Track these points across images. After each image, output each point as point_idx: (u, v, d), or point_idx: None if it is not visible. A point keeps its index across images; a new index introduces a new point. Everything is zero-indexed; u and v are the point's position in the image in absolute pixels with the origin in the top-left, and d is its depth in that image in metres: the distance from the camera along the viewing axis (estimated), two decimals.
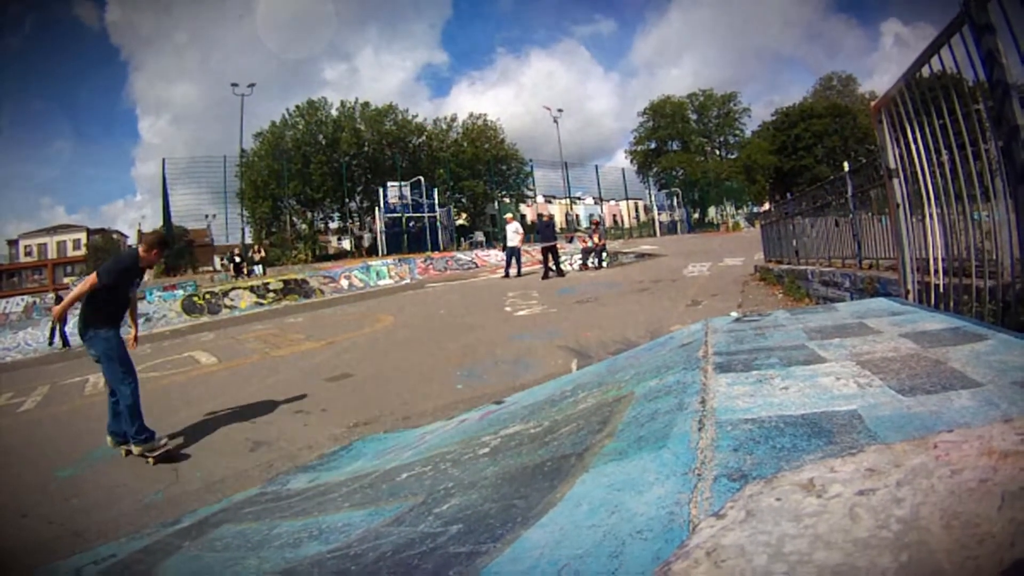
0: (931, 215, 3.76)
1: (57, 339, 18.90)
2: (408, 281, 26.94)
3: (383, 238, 39.56)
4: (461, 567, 1.39)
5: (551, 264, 17.92)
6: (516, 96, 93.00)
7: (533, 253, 30.78)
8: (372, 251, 41.65)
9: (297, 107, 51.60)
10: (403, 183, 41.30)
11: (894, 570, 0.82)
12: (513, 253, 19.53)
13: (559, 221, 54.43)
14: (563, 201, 58.42)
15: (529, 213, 62.69)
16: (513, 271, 19.27)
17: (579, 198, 57.65)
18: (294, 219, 48.88)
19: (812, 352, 2.33)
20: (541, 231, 19.26)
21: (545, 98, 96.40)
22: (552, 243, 18.48)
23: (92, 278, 4.79)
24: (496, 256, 32.27)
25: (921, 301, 3.91)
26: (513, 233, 19.52)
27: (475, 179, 54.50)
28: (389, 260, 30.04)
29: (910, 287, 4.17)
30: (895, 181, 4.28)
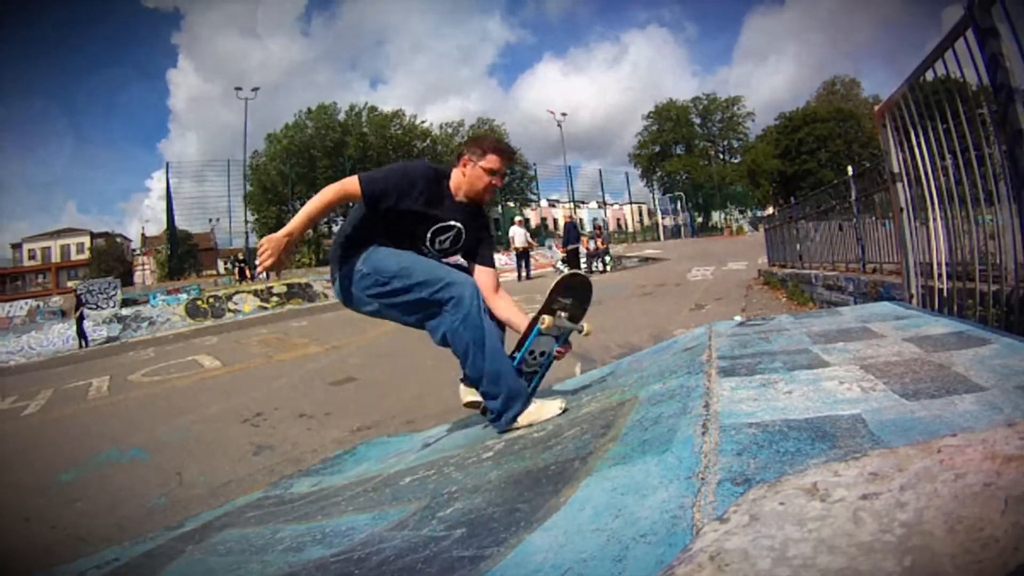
0: (935, 219, 3.76)
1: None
2: None
3: None
4: (465, 571, 1.39)
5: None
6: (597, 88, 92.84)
7: (535, 257, 30.83)
8: None
9: (309, 110, 51.91)
10: None
11: (898, 574, 0.82)
12: (522, 256, 19.62)
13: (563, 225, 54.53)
14: (567, 205, 58.50)
15: (533, 217, 62.89)
16: (523, 273, 19.60)
17: (582, 202, 57.67)
18: None
19: (816, 356, 2.33)
20: (568, 233, 19.48)
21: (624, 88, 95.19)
22: (575, 246, 18.69)
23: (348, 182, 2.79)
24: (500, 260, 32.24)
25: (925, 305, 3.90)
26: (521, 236, 19.65)
27: None
28: None
29: (914, 291, 4.16)
30: (899, 185, 4.28)
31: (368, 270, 2.79)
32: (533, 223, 61.84)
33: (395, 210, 2.78)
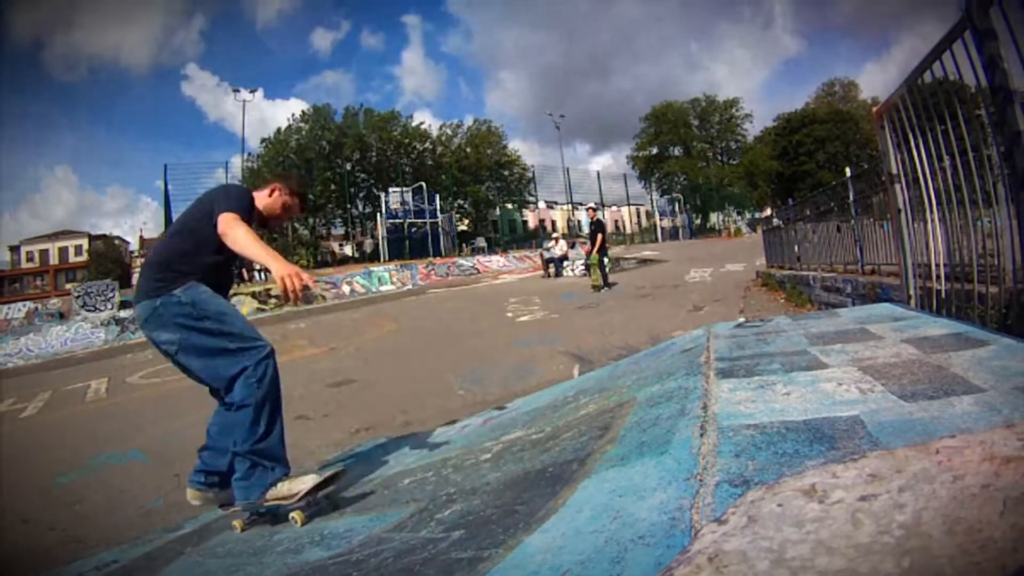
0: (933, 220, 3.76)
1: None
2: (410, 287, 26.99)
3: (385, 244, 39.64)
4: (463, 573, 1.39)
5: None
6: None
7: (533, 259, 31.00)
8: (374, 257, 41.71)
9: (303, 112, 52.00)
10: (405, 189, 41.42)
11: (896, 575, 0.82)
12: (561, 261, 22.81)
13: (561, 227, 54.64)
14: (565, 207, 58.54)
15: (531, 218, 63.04)
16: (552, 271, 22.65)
17: (580, 204, 57.70)
18: (296, 225, 49.04)
19: (814, 358, 2.33)
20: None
21: None
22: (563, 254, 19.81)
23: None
24: (498, 262, 32.38)
25: (923, 307, 3.90)
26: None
27: (477, 184, 54.57)
28: (391, 266, 30.12)
29: (912, 292, 4.16)
30: (897, 186, 4.28)
31: (187, 300, 2.73)
32: (532, 224, 62.05)
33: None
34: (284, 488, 2.66)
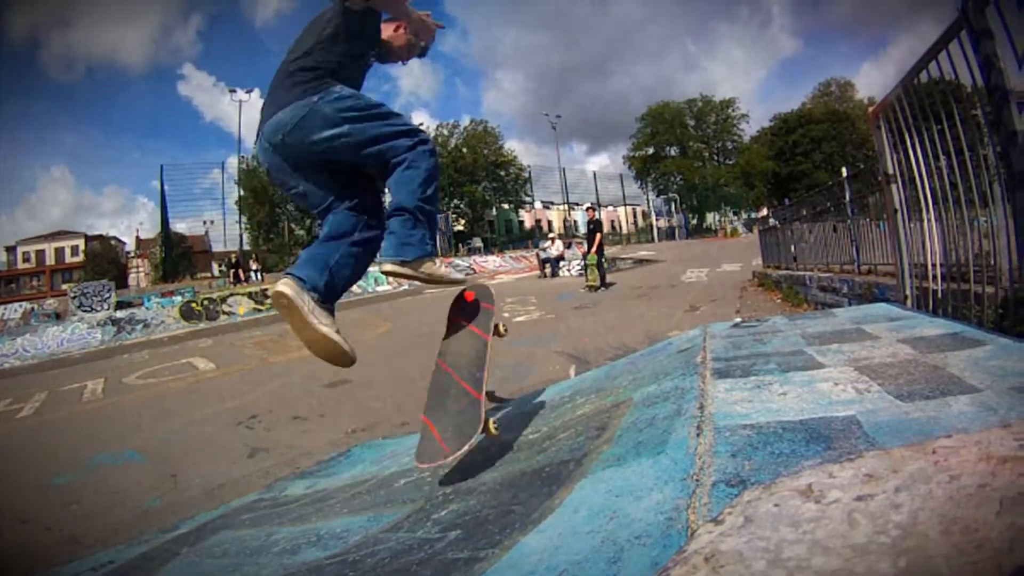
0: (929, 220, 3.77)
1: None
2: (406, 287, 26.93)
3: None
4: (459, 573, 1.39)
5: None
6: None
7: (529, 259, 31.07)
8: None
9: None
10: None
11: (892, 575, 0.82)
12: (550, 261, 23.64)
13: (557, 227, 54.67)
14: (561, 207, 58.59)
15: (528, 219, 63.07)
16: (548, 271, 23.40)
17: (577, 204, 57.78)
18: (292, 225, 49.00)
19: (810, 358, 2.33)
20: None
21: None
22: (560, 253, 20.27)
23: None
24: (494, 262, 32.41)
25: (919, 307, 3.91)
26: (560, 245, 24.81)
27: (474, 184, 54.58)
28: None
29: (908, 292, 4.17)
30: (893, 186, 4.29)
31: (349, 93, 2.60)
32: (528, 224, 62.13)
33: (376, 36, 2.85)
34: (440, 264, 2.71)
